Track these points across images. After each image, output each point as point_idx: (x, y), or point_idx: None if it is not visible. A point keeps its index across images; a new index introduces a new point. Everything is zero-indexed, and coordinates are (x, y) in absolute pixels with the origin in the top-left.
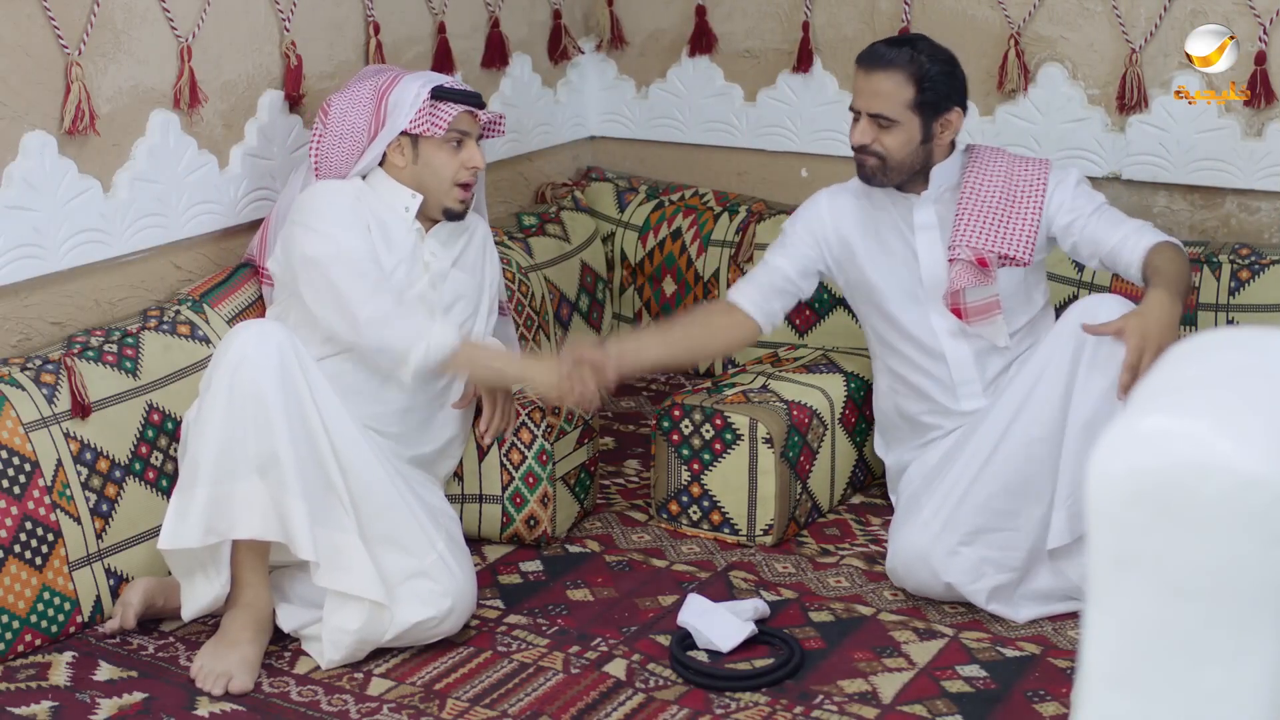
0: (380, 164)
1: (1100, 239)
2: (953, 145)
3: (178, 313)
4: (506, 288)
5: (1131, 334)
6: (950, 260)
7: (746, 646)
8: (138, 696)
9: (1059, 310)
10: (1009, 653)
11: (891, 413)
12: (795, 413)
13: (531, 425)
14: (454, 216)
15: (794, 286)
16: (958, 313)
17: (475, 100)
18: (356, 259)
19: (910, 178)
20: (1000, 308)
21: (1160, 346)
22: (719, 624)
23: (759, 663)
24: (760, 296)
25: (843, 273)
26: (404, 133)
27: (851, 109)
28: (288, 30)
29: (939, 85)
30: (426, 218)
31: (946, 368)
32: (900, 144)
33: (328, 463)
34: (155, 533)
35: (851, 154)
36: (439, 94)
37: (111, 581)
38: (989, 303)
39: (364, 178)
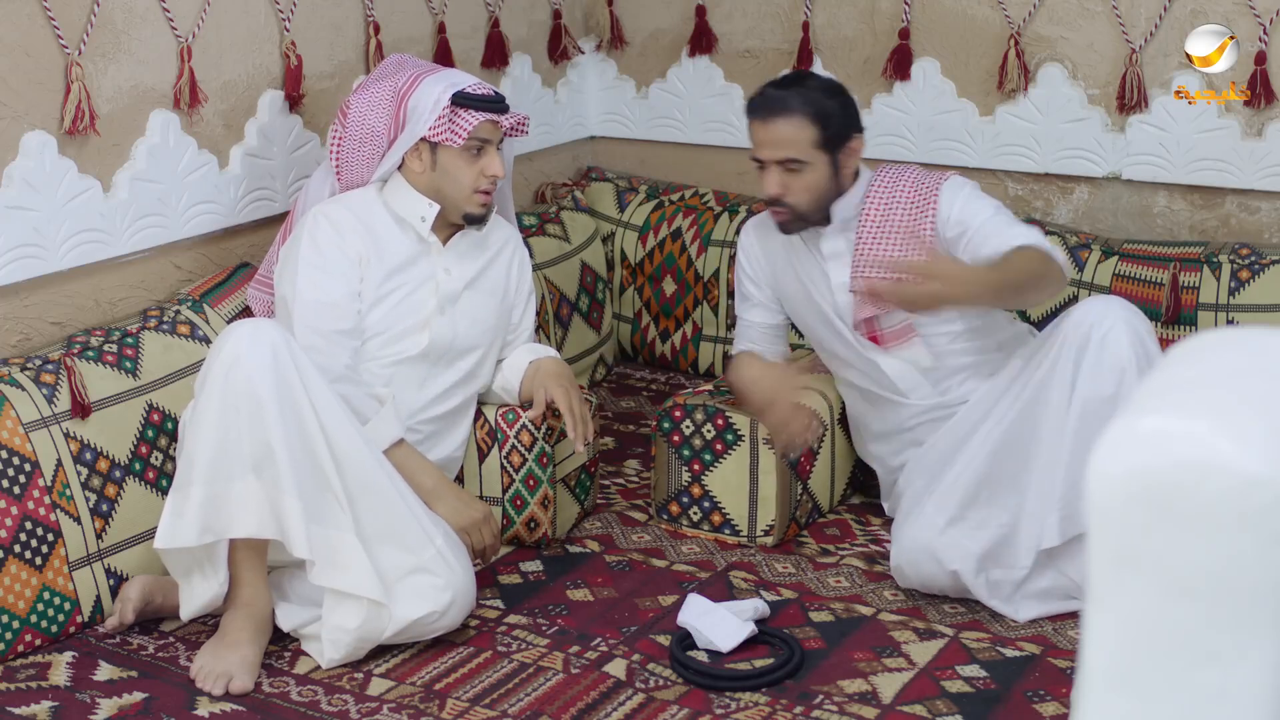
0: (399, 167)
1: (979, 252)
2: (857, 172)
3: (178, 313)
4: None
5: (937, 270)
6: (851, 291)
7: (746, 646)
8: (138, 696)
9: (1057, 311)
10: (1009, 653)
11: (862, 418)
12: None
13: (531, 428)
14: (475, 221)
15: (777, 323)
16: (875, 339)
17: (497, 106)
18: (316, 307)
19: (826, 214)
20: (915, 331)
21: (949, 286)
22: (719, 624)
23: (759, 663)
24: (763, 345)
25: (780, 299)
26: (423, 139)
27: (755, 159)
28: (288, 30)
29: (838, 118)
30: (447, 224)
31: (886, 377)
32: (811, 185)
33: (323, 460)
34: (155, 533)
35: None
36: (460, 100)
37: (111, 581)
38: (903, 327)
39: (385, 181)
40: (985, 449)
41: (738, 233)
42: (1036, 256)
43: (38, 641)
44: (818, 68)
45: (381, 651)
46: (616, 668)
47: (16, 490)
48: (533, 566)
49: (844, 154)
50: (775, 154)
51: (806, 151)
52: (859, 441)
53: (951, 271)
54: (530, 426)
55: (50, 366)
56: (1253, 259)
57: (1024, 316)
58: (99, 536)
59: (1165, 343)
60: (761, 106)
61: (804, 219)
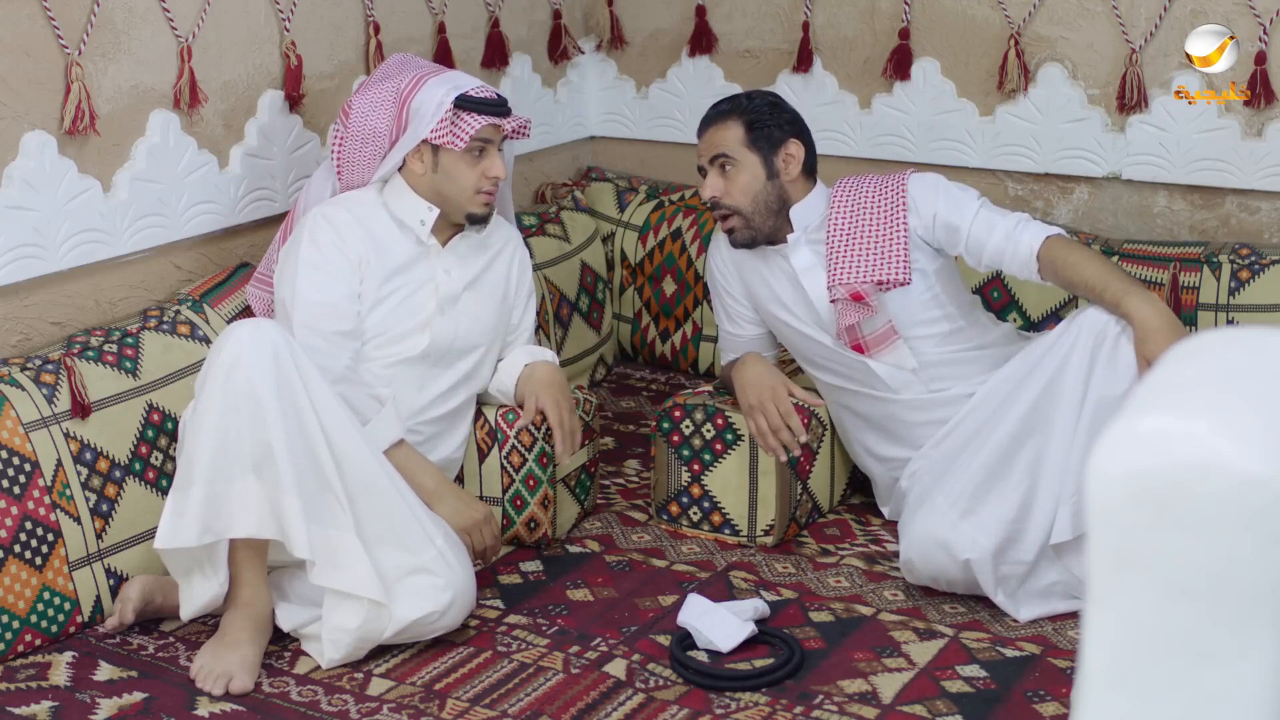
0: (399, 168)
1: (980, 244)
2: (814, 183)
3: (178, 313)
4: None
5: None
6: (831, 302)
7: (746, 646)
8: (138, 696)
9: (1057, 310)
10: (1009, 653)
11: (852, 417)
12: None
13: (532, 428)
14: (477, 220)
15: (760, 333)
16: (858, 348)
17: (500, 109)
18: (316, 309)
19: (778, 226)
20: (897, 334)
21: (1169, 336)
22: (719, 624)
23: (759, 663)
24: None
25: (757, 309)
26: (424, 141)
27: (699, 170)
28: (288, 30)
29: (765, 117)
30: (447, 226)
31: (876, 377)
32: (746, 185)
33: (323, 460)
34: (155, 533)
35: (850, 156)
36: (463, 103)
37: (111, 581)
38: (884, 332)
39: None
40: (994, 440)
41: None
42: (1079, 250)
43: (38, 641)
44: (818, 68)
45: (381, 651)
46: (616, 668)
47: (16, 490)
48: (533, 566)
49: (780, 158)
50: (707, 154)
51: (735, 149)
52: (850, 445)
53: (1160, 335)
54: (530, 427)
55: (50, 366)
56: (1253, 259)
57: (1021, 314)
58: (99, 536)
59: None
60: (701, 122)
61: (750, 226)
